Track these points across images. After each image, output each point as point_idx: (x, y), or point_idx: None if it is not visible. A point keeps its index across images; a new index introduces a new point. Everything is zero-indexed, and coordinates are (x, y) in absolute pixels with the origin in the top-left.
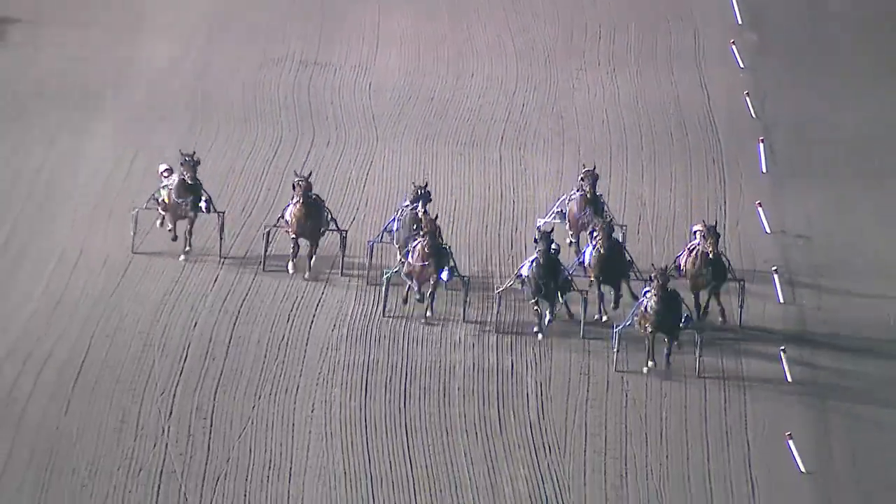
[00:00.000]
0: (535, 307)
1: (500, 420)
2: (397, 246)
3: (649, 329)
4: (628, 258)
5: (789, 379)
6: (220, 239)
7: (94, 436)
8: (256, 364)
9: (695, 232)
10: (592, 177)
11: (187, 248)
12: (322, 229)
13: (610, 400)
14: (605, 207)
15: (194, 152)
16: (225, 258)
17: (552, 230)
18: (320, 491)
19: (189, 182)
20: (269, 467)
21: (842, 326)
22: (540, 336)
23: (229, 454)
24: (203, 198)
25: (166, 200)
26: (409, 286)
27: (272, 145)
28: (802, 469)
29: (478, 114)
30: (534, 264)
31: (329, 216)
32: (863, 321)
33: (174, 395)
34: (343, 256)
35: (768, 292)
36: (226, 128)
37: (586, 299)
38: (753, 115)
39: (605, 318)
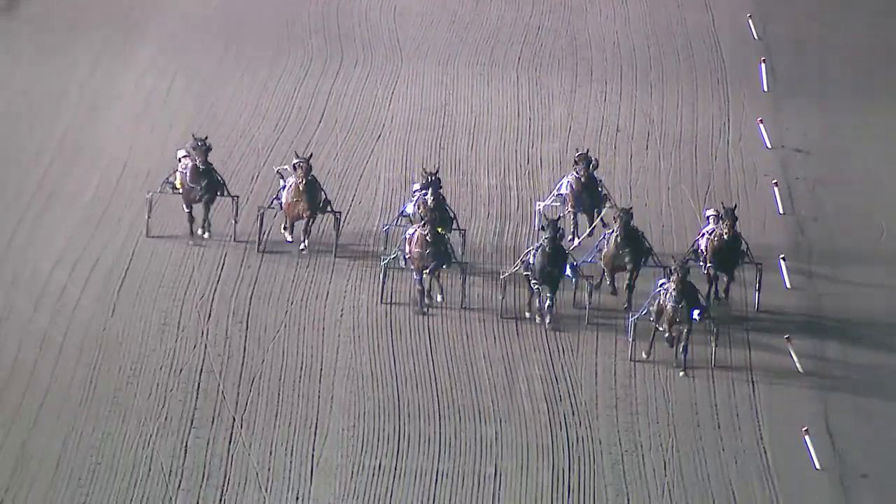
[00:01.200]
0: (538, 294)
1: (517, 327)
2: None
3: (668, 320)
4: (647, 246)
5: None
6: (235, 222)
7: (137, 337)
8: (289, 272)
9: (708, 217)
10: (586, 160)
11: (205, 234)
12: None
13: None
14: (603, 189)
15: (206, 137)
16: (238, 241)
17: (559, 218)
18: (348, 390)
19: (201, 167)
20: (301, 368)
21: (838, 238)
22: (539, 319)
23: (264, 356)
24: (219, 182)
25: (179, 186)
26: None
27: (303, 66)
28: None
29: (496, 36)
30: (539, 251)
31: (324, 197)
32: (856, 229)
33: (212, 300)
34: (338, 237)
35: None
36: (258, 50)
37: (592, 285)
38: (755, 37)
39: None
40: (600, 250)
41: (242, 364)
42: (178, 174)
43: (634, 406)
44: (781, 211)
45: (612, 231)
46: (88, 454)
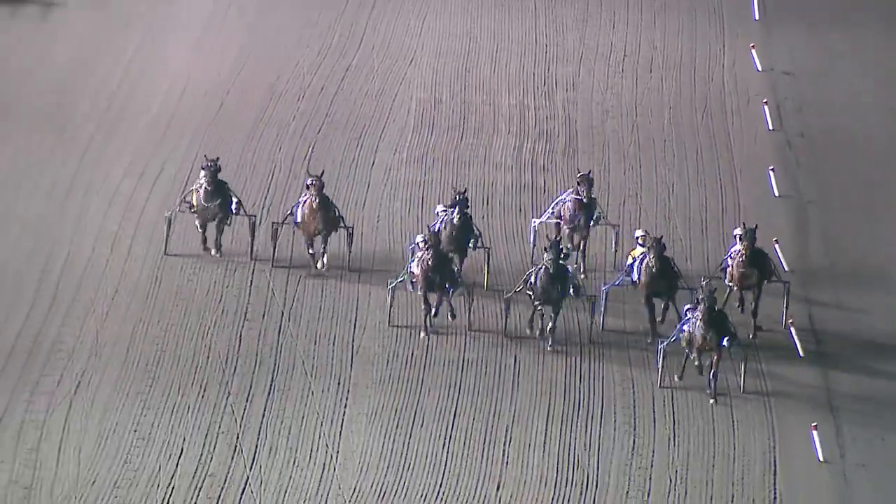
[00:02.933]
0: (541, 314)
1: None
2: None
3: (696, 348)
4: (676, 270)
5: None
6: (252, 239)
7: (198, 238)
8: (330, 183)
9: (736, 235)
10: (588, 181)
11: (217, 253)
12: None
13: None
14: (599, 211)
15: (217, 158)
16: (256, 259)
17: (560, 239)
18: (385, 289)
19: (209, 188)
20: (342, 269)
21: (822, 153)
22: (541, 338)
23: (309, 258)
24: (234, 200)
25: (194, 204)
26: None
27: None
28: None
29: None
30: (542, 272)
31: (337, 213)
32: (839, 143)
33: (265, 205)
34: (350, 252)
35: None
36: None
37: (594, 305)
38: None
39: (649, 339)
40: (628, 274)
41: (290, 264)
42: (194, 193)
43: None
44: (771, 128)
45: (644, 259)
46: (154, 343)
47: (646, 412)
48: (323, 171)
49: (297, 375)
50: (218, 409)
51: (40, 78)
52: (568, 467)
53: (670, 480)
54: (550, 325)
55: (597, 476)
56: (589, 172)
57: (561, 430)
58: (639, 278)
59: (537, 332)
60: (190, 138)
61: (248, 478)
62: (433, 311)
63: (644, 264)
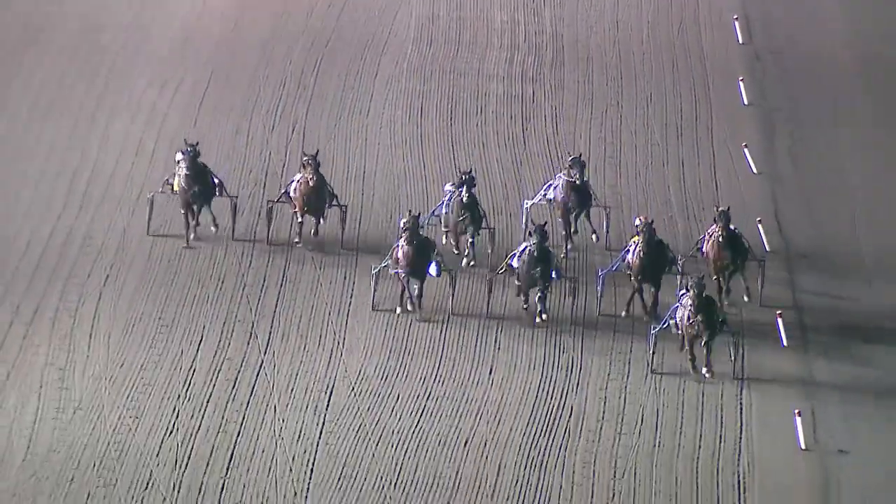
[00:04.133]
0: (524, 302)
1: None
2: (445, 229)
3: (688, 338)
4: (671, 255)
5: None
6: (233, 221)
7: (215, 142)
8: (337, 93)
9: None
10: (579, 164)
11: (192, 235)
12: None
13: None
14: (592, 193)
15: (197, 143)
16: (237, 240)
17: (546, 223)
18: (388, 189)
19: (188, 173)
20: (347, 172)
21: (790, 63)
22: (537, 320)
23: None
24: (215, 182)
25: (175, 188)
26: (402, 285)
27: None
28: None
29: None
30: (525, 255)
31: (331, 191)
32: (806, 57)
33: (276, 113)
34: (343, 230)
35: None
36: None
37: (576, 287)
38: None
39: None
40: (624, 259)
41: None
42: (176, 176)
43: None
44: (741, 41)
45: (636, 245)
46: (176, 240)
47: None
48: (318, 151)
49: (307, 269)
50: (235, 299)
51: (68, 7)
52: (554, 352)
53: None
54: (540, 307)
55: (581, 360)
56: (580, 156)
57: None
58: (630, 263)
59: (527, 309)
60: (207, 55)
61: (262, 362)
62: (414, 294)
63: (635, 250)
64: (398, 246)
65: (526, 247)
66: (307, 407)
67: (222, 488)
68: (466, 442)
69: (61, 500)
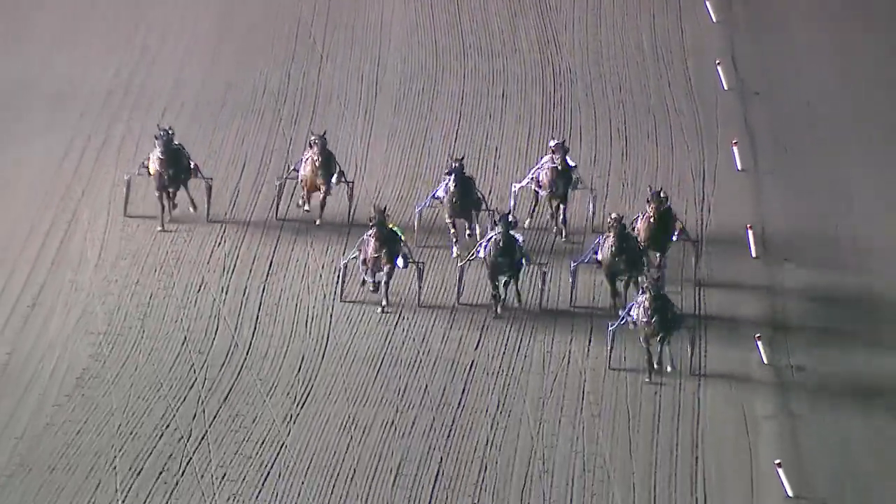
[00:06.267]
0: (494, 290)
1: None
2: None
3: (644, 337)
4: (641, 249)
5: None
6: (208, 203)
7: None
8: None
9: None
10: (562, 150)
11: (168, 217)
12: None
13: None
14: (577, 176)
15: (170, 127)
16: (212, 221)
17: (510, 211)
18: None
19: (163, 157)
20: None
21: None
22: (499, 310)
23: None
24: (190, 164)
25: (150, 171)
26: (364, 276)
27: None
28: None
29: None
30: (490, 244)
31: (338, 169)
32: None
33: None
34: (351, 206)
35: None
36: None
37: (545, 273)
38: None
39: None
40: (595, 252)
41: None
42: (150, 161)
43: None
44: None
45: (607, 238)
46: (224, 80)
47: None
48: (325, 131)
49: (333, 106)
50: (272, 131)
51: None
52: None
53: None
54: (512, 293)
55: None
56: (564, 141)
57: (539, 145)
58: (601, 257)
59: (496, 308)
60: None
61: (296, 183)
62: (379, 288)
63: (606, 244)
64: (366, 239)
65: (492, 236)
66: (331, 224)
67: (263, 290)
68: None
69: (127, 300)
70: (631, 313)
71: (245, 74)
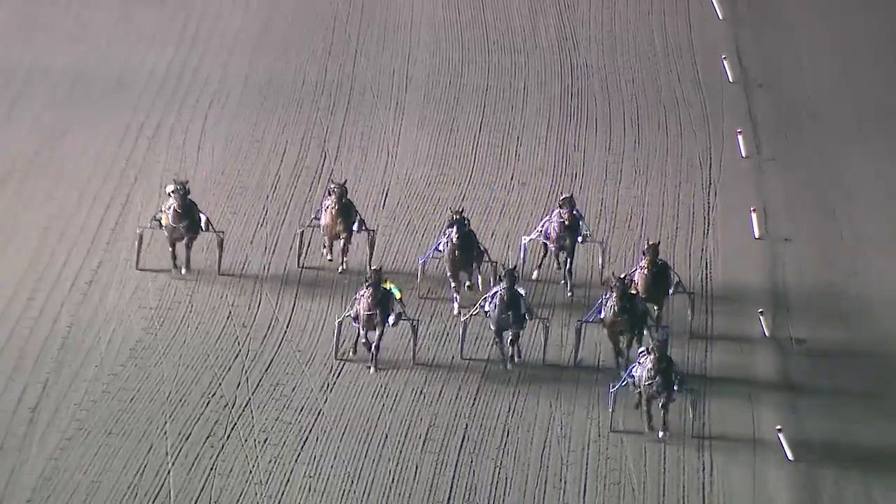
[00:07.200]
0: (499, 344)
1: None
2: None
3: (646, 398)
4: (643, 308)
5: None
6: (219, 256)
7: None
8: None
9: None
10: (570, 204)
11: (183, 269)
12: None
13: None
14: (584, 229)
15: (186, 181)
16: (223, 275)
17: (515, 267)
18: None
19: (179, 211)
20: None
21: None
22: (509, 366)
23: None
24: (203, 219)
25: (163, 224)
26: (358, 333)
27: None
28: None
29: None
30: (496, 300)
31: (358, 217)
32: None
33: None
34: (371, 255)
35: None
36: None
37: (548, 328)
38: None
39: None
40: (599, 311)
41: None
42: (163, 214)
43: None
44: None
45: (609, 297)
46: (267, 72)
47: None
48: (345, 180)
49: (367, 97)
50: (311, 120)
51: None
52: (563, 161)
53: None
54: (511, 351)
55: (583, 168)
56: (571, 196)
57: (557, 134)
58: (604, 317)
59: (503, 361)
60: None
61: (332, 169)
62: (372, 346)
63: (609, 304)
64: (360, 297)
65: (497, 291)
66: (366, 204)
67: (301, 269)
68: None
69: (177, 278)
70: (633, 374)
71: (285, 67)
